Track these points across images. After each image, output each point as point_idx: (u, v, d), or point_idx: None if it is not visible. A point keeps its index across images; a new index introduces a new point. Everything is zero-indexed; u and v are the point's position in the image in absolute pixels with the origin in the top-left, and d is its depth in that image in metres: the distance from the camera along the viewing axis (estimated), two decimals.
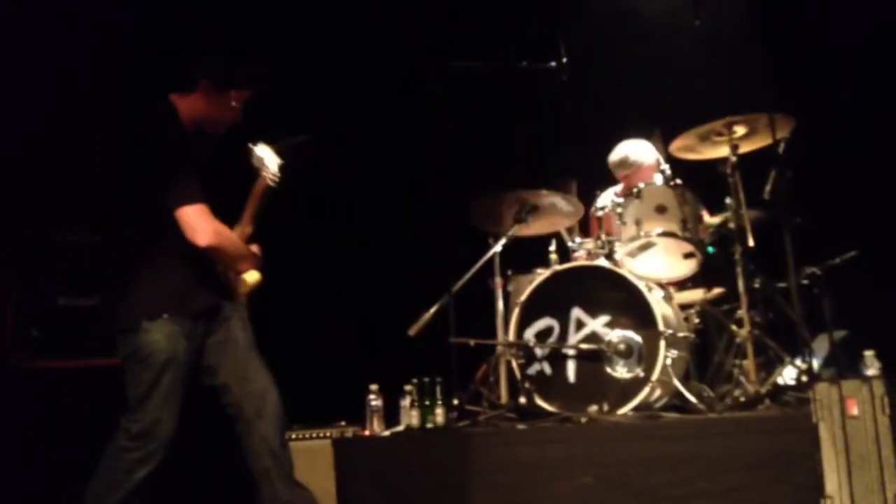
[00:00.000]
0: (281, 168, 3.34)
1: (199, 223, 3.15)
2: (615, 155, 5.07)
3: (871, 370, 3.89)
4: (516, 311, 4.33)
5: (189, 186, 3.17)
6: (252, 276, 3.43)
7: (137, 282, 3.26)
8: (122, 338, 3.24)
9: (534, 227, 4.61)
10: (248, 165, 3.37)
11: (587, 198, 4.85)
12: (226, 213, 3.40)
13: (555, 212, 4.56)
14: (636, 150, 5.01)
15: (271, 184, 3.34)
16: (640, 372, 4.02)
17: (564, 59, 4.50)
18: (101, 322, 4.55)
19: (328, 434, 4.41)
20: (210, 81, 3.34)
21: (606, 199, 4.98)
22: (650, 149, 4.97)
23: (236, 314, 3.40)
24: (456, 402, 4.21)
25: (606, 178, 5.20)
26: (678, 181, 4.47)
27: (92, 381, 4.44)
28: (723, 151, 4.31)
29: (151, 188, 3.18)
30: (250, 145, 3.33)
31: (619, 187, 5.17)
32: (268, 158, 3.33)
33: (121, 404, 3.27)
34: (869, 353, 3.97)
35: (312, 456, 4.25)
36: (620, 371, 4.06)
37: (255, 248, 3.43)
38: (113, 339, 4.27)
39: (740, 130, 4.25)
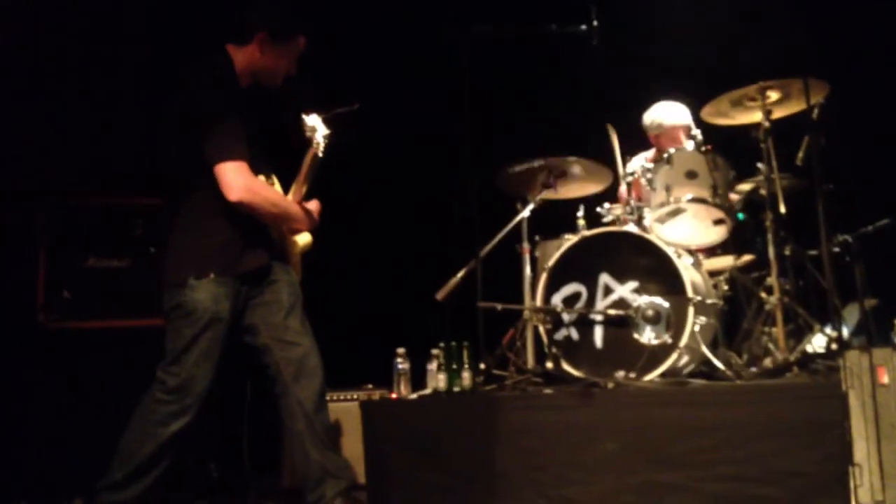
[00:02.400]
0: (328, 137, 3.34)
1: (233, 179, 3.16)
2: (648, 116, 5.06)
3: None
4: (544, 277, 4.32)
5: (231, 141, 3.18)
6: (303, 239, 3.47)
7: (186, 237, 3.29)
8: (168, 291, 3.28)
9: (562, 192, 4.59)
10: (301, 133, 3.37)
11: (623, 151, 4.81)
12: (278, 172, 3.44)
13: (584, 177, 4.54)
14: (669, 111, 5.01)
15: (320, 153, 3.35)
16: (667, 338, 4.01)
17: (595, 23, 4.44)
18: (131, 283, 4.62)
19: (355, 397, 4.45)
20: (266, 32, 3.34)
21: (637, 164, 4.95)
22: (683, 111, 4.95)
23: (286, 277, 3.43)
24: (483, 366, 4.22)
25: (637, 142, 5.15)
26: (709, 146, 4.42)
27: (121, 343, 4.51)
28: (755, 117, 4.25)
29: (198, 140, 3.19)
30: (303, 115, 3.34)
31: (649, 152, 5.13)
32: (319, 127, 3.34)
33: (149, 365, 3.32)
34: None
35: (340, 418, 4.30)
36: (648, 337, 4.04)
37: (313, 206, 3.45)
38: (142, 300, 4.35)
39: (774, 96, 4.19)
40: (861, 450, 3.19)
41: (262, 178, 3.35)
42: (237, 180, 3.16)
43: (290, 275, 3.46)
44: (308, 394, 3.33)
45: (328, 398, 4.27)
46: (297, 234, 3.52)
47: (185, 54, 3.51)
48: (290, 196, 3.44)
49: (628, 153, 5.11)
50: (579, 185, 4.62)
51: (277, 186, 3.49)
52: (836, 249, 4.22)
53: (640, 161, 5.00)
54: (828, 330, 3.91)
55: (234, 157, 3.17)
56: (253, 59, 3.37)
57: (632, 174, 4.55)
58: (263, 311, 3.36)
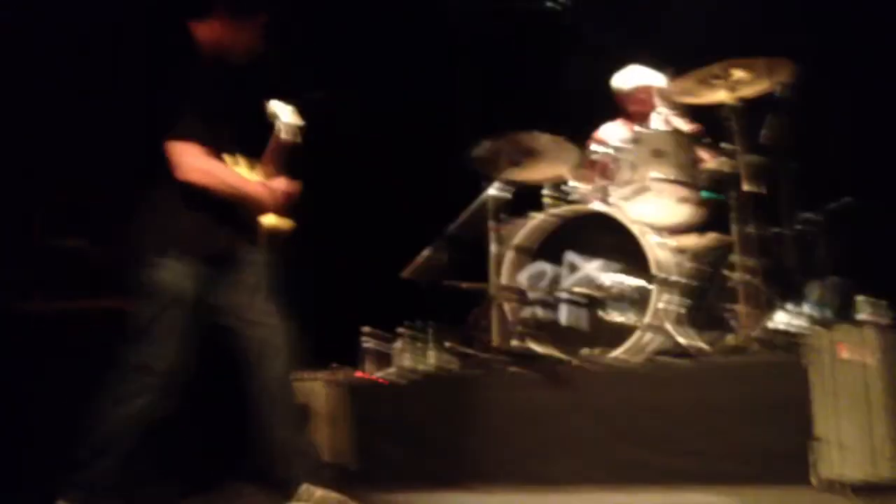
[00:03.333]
0: (300, 126, 3.31)
1: (181, 158, 3.13)
2: (618, 77, 5.05)
3: (863, 315, 3.88)
4: (510, 255, 4.31)
5: (186, 121, 3.14)
6: (266, 220, 3.40)
7: (150, 217, 3.25)
8: (131, 271, 3.24)
9: (531, 173, 4.58)
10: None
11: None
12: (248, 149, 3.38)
13: (551, 157, 4.52)
14: (639, 72, 5.00)
15: (286, 138, 3.31)
16: (633, 316, 4.02)
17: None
18: (90, 264, 4.55)
19: (320, 377, 4.43)
20: (224, 9, 3.30)
21: (606, 132, 4.95)
22: (654, 73, 4.94)
23: (251, 257, 3.39)
24: (448, 344, 4.22)
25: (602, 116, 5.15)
26: (675, 125, 4.43)
27: (81, 323, 4.45)
28: (721, 95, 4.25)
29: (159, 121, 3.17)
30: (267, 101, 3.31)
31: (616, 122, 5.10)
32: (282, 113, 3.31)
33: (109, 346, 3.28)
34: (860, 298, 3.96)
35: (306, 397, 4.28)
36: (613, 315, 4.06)
37: (277, 185, 3.36)
38: (101, 280, 4.29)
39: (739, 74, 4.18)
40: (822, 425, 3.22)
41: (227, 157, 3.30)
42: (183, 159, 3.13)
43: (257, 255, 3.42)
44: (273, 374, 3.30)
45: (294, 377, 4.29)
46: (261, 213, 3.47)
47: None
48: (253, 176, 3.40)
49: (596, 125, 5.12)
50: (547, 165, 4.59)
51: (243, 166, 3.44)
52: (800, 227, 4.25)
53: (611, 129, 5.00)
54: (790, 307, 3.94)
55: (182, 136, 3.13)
56: (214, 35, 3.31)
57: (595, 152, 4.53)
58: (228, 291, 3.33)
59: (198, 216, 3.22)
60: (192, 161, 3.15)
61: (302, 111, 3.37)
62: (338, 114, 5.12)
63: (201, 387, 3.32)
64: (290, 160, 3.41)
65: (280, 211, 3.43)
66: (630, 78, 5.01)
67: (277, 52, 3.52)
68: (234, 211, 3.31)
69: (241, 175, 3.35)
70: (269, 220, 3.47)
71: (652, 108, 4.83)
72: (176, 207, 3.21)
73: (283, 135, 3.33)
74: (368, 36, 5.71)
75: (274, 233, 3.48)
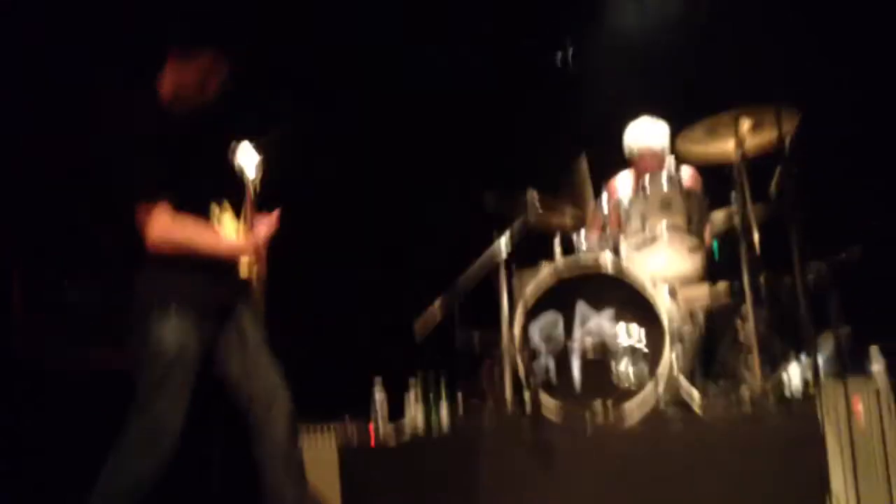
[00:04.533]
0: (260, 164, 3.28)
1: (151, 226, 3.11)
2: (625, 138, 5.06)
3: (876, 366, 3.87)
4: (521, 306, 4.32)
5: (154, 179, 3.12)
6: (246, 270, 3.33)
7: (146, 274, 3.23)
8: (132, 331, 3.22)
9: (543, 224, 4.60)
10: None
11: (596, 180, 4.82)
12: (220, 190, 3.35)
13: (562, 213, 4.54)
14: (642, 133, 4.99)
15: (252, 186, 3.28)
16: (644, 369, 4.01)
17: (571, 50, 4.48)
18: (107, 314, 4.57)
19: (333, 429, 4.43)
20: (174, 51, 3.29)
21: (621, 181, 4.96)
22: (657, 132, 4.95)
23: (249, 310, 3.38)
24: (460, 398, 4.21)
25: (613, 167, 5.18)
26: (684, 176, 4.45)
27: (97, 374, 4.46)
28: (730, 146, 4.28)
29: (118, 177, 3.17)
30: (233, 144, 3.27)
31: (626, 175, 5.12)
32: (248, 158, 3.27)
33: (124, 395, 3.26)
34: (874, 349, 3.95)
35: (316, 450, 4.28)
36: (625, 367, 4.05)
37: (258, 232, 3.31)
38: (117, 331, 4.29)
39: (747, 124, 4.21)
40: (838, 480, 3.20)
41: (214, 207, 3.29)
42: (152, 227, 3.11)
43: (253, 308, 3.41)
44: (282, 430, 3.29)
45: (306, 430, 4.29)
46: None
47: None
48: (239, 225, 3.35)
49: (603, 179, 5.14)
50: (558, 217, 4.61)
51: (229, 215, 3.37)
52: (811, 277, 4.24)
53: (625, 178, 5.01)
54: (803, 358, 3.93)
55: (150, 197, 3.12)
56: (172, 83, 3.30)
57: (608, 203, 4.55)
58: (229, 346, 3.32)
59: (193, 267, 3.20)
60: (161, 231, 3.12)
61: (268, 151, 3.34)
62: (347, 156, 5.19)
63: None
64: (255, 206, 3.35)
65: (257, 259, 3.35)
66: (637, 138, 4.99)
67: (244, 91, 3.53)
68: (223, 263, 3.30)
69: (211, 234, 3.25)
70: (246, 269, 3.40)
71: (660, 164, 4.84)
72: (167, 263, 3.19)
73: (247, 180, 3.29)
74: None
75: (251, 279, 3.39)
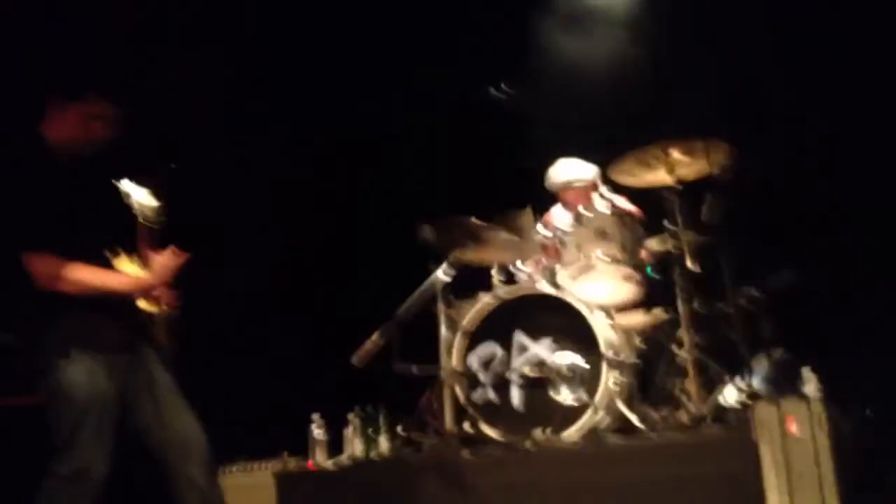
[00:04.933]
0: (158, 209, 3.21)
1: (37, 271, 3.03)
2: (549, 175, 5.12)
3: (809, 387, 3.93)
4: (459, 337, 4.31)
5: (40, 230, 3.04)
6: (147, 305, 3.26)
7: (49, 319, 3.11)
8: (41, 379, 3.10)
9: (479, 256, 4.61)
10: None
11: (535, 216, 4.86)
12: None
13: (497, 245, 4.56)
14: (566, 169, 5.08)
15: (144, 221, 3.21)
16: (584, 395, 4.02)
17: (508, 88, 4.54)
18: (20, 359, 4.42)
19: (271, 467, 4.33)
20: (56, 97, 3.21)
21: (556, 215, 5.02)
22: (581, 167, 5.04)
23: (156, 354, 3.30)
24: (400, 430, 4.17)
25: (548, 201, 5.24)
26: (618, 205, 4.51)
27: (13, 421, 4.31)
28: (662, 176, 4.35)
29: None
30: (117, 183, 3.20)
31: (561, 207, 5.18)
32: (136, 196, 3.21)
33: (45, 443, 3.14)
34: (807, 371, 4.02)
35: (255, 490, 4.18)
36: (564, 395, 4.06)
37: (157, 267, 3.22)
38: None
39: (677, 154, 4.29)
40: (774, 500, 3.22)
41: (108, 253, 3.20)
42: (39, 272, 3.04)
43: (159, 347, 3.32)
44: (198, 471, 3.21)
45: (243, 469, 4.19)
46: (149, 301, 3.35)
47: None
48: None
49: (546, 207, 5.20)
50: (494, 251, 4.63)
51: (124, 258, 3.26)
52: (744, 302, 4.31)
53: (560, 211, 5.07)
54: (738, 381, 3.97)
55: (36, 247, 3.04)
56: (56, 130, 3.20)
57: (545, 236, 4.58)
58: (139, 390, 3.22)
59: (94, 309, 3.12)
60: (48, 272, 3.04)
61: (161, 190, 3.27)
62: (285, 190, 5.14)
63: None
64: (156, 240, 3.28)
65: (156, 294, 3.27)
66: (559, 176, 5.08)
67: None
68: (125, 303, 3.21)
69: (101, 273, 3.16)
70: (148, 305, 3.29)
71: (585, 199, 4.90)
72: (68, 307, 3.09)
73: (142, 219, 3.22)
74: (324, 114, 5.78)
75: (155, 318, 3.31)
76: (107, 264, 3.18)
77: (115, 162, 3.34)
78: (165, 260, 3.21)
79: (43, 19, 4.83)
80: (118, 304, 3.17)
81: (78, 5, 4.85)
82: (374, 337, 4.28)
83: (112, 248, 3.21)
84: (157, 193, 3.24)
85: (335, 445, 4.27)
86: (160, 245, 3.28)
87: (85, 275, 3.11)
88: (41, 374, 3.09)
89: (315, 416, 4.25)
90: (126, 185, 3.21)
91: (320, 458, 4.20)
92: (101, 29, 4.84)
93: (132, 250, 3.26)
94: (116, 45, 4.64)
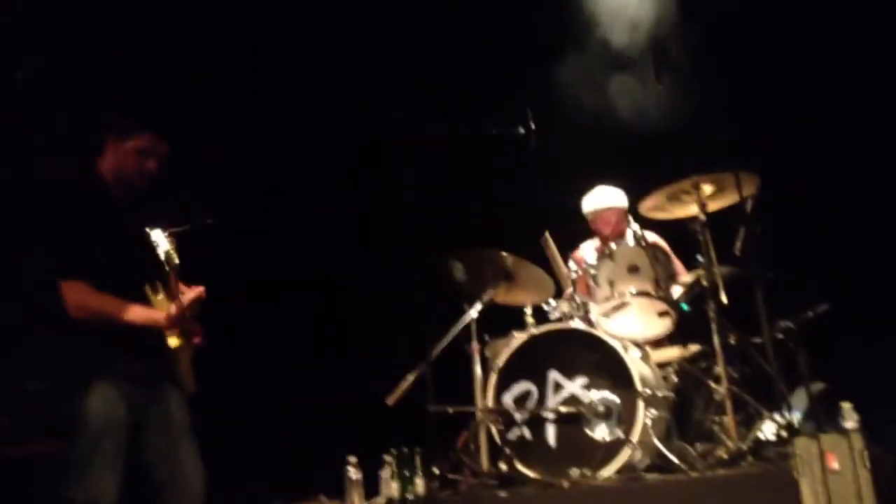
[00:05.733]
0: (168, 252, 3.26)
1: (68, 298, 3.18)
2: (583, 203, 5.17)
3: (850, 422, 3.88)
4: (494, 376, 4.31)
5: (76, 259, 3.19)
6: (171, 342, 3.31)
7: (73, 347, 3.24)
8: (60, 405, 3.22)
9: (508, 298, 4.63)
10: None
11: (563, 252, 4.88)
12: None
13: (527, 284, 4.57)
14: (600, 196, 5.13)
15: (168, 264, 3.26)
16: (620, 433, 4.00)
17: (532, 126, 4.56)
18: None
19: None
20: (110, 133, 3.39)
21: (585, 250, 5.04)
22: (615, 194, 5.08)
23: (175, 392, 3.38)
24: (436, 471, 4.15)
25: (579, 235, 5.24)
26: (648, 240, 4.51)
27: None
28: (692, 210, 4.36)
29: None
30: (147, 230, 3.29)
31: (595, 240, 5.18)
32: (160, 243, 3.27)
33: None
34: (846, 406, 3.96)
35: None
36: (600, 433, 4.03)
37: (170, 312, 3.25)
38: None
39: (707, 189, 4.30)
40: None
41: (147, 288, 3.30)
42: (69, 299, 3.18)
43: (177, 391, 3.40)
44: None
45: None
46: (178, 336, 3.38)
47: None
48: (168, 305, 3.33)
49: (574, 244, 5.21)
50: (524, 293, 4.64)
51: (161, 294, 3.36)
52: (780, 336, 4.28)
53: (589, 248, 5.08)
54: (777, 416, 3.93)
55: (69, 275, 3.19)
56: (111, 163, 3.39)
57: (576, 271, 4.58)
58: (153, 426, 3.31)
59: (115, 343, 3.22)
60: (77, 301, 3.18)
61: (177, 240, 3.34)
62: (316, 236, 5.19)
63: None
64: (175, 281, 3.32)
65: (180, 330, 3.32)
66: (592, 202, 5.13)
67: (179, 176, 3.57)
68: (148, 337, 3.27)
69: (126, 306, 3.25)
70: (171, 342, 3.34)
71: (620, 227, 4.93)
72: (93, 336, 3.21)
73: (166, 262, 3.28)
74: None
75: (180, 354, 3.37)
76: (144, 300, 3.28)
77: (157, 204, 3.48)
78: (178, 302, 3.27)
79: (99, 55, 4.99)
80: (144, 337, 3.25)
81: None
82: (409, 377, 4.30)
83: (153, 284, 3.30)
84: (172, 237, 3.31)
85: (371, 487, 4.26)
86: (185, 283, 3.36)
87: (108, 305, 3.23)
88: (60, 398, 3.21)
89: (351, 459, 4.24)
90: (153, 233, 3.28)
91: (356, 500, 4.18)
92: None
93: (167, 289, 3.33)
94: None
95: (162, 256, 3.24)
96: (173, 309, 3.24)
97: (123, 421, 3.20)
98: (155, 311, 3.27)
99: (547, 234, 4.76)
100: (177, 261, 3.26)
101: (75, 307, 3.18)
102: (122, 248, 3.25)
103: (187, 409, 3.41)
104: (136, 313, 3.25)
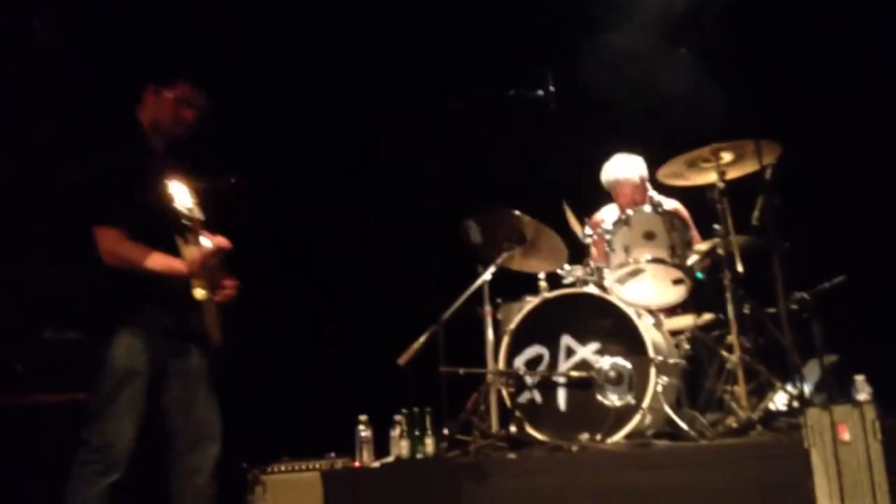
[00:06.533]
0: (194, 208, 3.26)
1: (101, 244, 3.25)
2: (603, 173, 5.13)
3: (862, 394, 3.88)
4: (506, 340, 4.31)
5: (110, 206, 3.25)
6: (196, 293, 3.32)
7: (100, 291, 3.31)
8: (84, 346, 3.33)
9: (519, 264, 4.62)
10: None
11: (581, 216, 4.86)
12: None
13: (543, 250, 4.56)
14: (620, 166, 5.08)
15: (184, 221, 3.25)
16: (630, 399, 4.00)
17: (552, 88, 4.52)
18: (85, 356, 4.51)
19: (318, 466, 4.36)
20: (150, 82, 3.45)
21: (606, 213, 5.01)
22: (634, 164, 5.03)
23: (198, 345, 3.43)
24: (446, 431, 4.18)
25: (596, 200, 5.21)
26: (667, 207, 4.48)
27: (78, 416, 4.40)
28: (710, 177, 4.32)
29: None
30: (165, 181, 3.26)
31: (610, 207, 5.15)
32: (178, 194, 3.24)
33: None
34: (859, 378, 3.96)
35: (302, 488, 4.21)
36: (611, 398, 4.03)
37: (192, 261, 3.27)
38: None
39: (727, 157, 4.26)
40: None
41: (178, 240, 3.30)
42: (102, 246, 3.25)
43: (201, 344, 3.44)
44: (201, 465, 3.37)
45: (290, 468, 4.24)
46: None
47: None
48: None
49: (595, 209, 5.18)
50: (538, 259, 4.63)
51: (191, 247, 3.31)
52: (795, 307, 4.25)
53: (609, 212, 5.05)
54: (789, 387, 3.93)
55: (103, 222, 3.26)
56: (150, 113, 3.45)
57: (592, 236, 4.56)
58: (173, 375, 3.37)
59: (142, 293, 3.28)
60: (110, 247, 3.25)
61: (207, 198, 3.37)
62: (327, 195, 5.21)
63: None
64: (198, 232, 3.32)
65: (206, 282, 3.33)
66: (610, 171, 5.09)
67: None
68: (174, 288, 3.30)
69: (154, 255, 3.28)
70: (196, 293, 3.34)
71: (637, 197, 4.90)
72: (120, 285, 3.28)
73: (184, 218, 3.27)
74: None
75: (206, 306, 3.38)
76: (174, 250, 3.30)
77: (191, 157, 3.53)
78: (199, 251, 3.28)
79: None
80: (170, 287, 3.29)
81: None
82: (421, 338, 4.31)
83: (184, 235, 3.31)
84: (197, 194, 3.30)
85: (382, 446, 4.29)
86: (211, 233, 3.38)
87: (138, 254, 3.27)
88: (85, 340, 3.32)
89: (362, 418, 4.27)
90: (172, 185, 3.25)
91: (367, 459, 4.21)
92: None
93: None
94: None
95: (184, 209, 3.24)
96: (195, 257, 3.26)
97: (144, 370, 3.26)
98: (176, 259, 3.29)
99: (566, 204, 4.71)
100: (199, 214, 3.27)
101: (107, 252, 3.24)
102: (155, 197, 3.26)
103: (208, 363, 3.46)
104: (157, 261, 3.28)
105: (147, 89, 3.46)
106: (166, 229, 3.27)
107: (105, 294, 3.30)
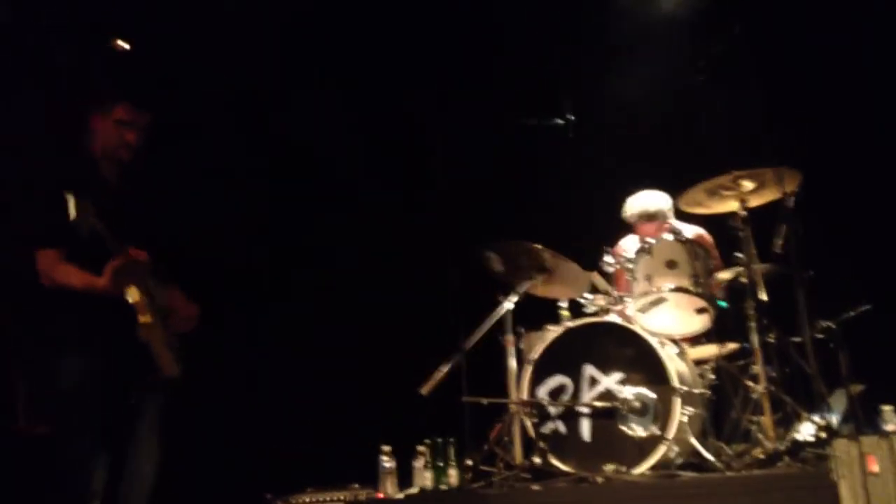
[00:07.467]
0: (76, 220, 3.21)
1: (39, 263, 3.30)
2: (625, 207, 5.09)
3: (890, 425, 3.84)
4: (529, 369, 4.30)
5: (48, 229, 3.27)
6: (139, 319, 3.33)
7: (45, 317, 3.35)
8: (33, 374, 3.43)
9: (542, 290, 4.61)
10: None
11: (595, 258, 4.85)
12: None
13: (564, 279, 4.55)
14: (643, 202, 5.05)
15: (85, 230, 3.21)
16: (655, 430, 3.97)
17: (570, 117, 4.54)
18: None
19: (341, 497, 4.36)
20: (93, 103, 3.50)
21: (628, 244, 5.00)
22: (658, 200, 5.01)
23: (153, 378, 3.44)
24: (470, 462, 4.16)
25: (614, 233, 5.20)
26: (688, 236, 4.47)
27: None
28: (731, 205, 4.31)
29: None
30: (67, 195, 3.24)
31: (632, 238, 5.14)
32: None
33: None
34: (887, 408, 3.92)
35: None
36: (636, 429, 4.01)
37: (97, 281, 3.28)
38: None
39: (748, 185, 4.25)
40: None
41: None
42: (39, 265, 3.30)
43: (158, 374, 3.45)
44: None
45: (314, 500, 4.23)
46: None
47: None
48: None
49: (605, 244, 5.17)
50: (560, 286, 4.62)
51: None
52: (820, 336, 4.23)
53: (630, 242, 5.04)
54: (815, 417, 3.89)
55: (39, 243, 3.31)
56: (99, 142, 3.49)
57: (612, 265, 4.55)
58: (114, 406, 3.38)
59: (85, 313, 3.30)
60: (44, 268, 3.29)
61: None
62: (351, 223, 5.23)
63: None
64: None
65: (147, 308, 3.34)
66: (634, 207, 5.05)
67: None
68: (119, 311, 3.30)
69: (72, 273, 3.30)
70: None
71: (660, 229, 4.87)
72: (64, 306, 3.31)
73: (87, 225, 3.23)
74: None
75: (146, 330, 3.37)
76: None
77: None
78: (114, 263, 3.27)
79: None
80: (109, 311, 3.28)
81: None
82: (443, 367, 4.30)
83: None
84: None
85: (404, 477, 4.28)
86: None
87: (63, 274, 3.30)
88: (33, 370, 3.39)
89: (385, 448, 4.26)
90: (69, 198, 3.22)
91: (390, 490, 4.20)
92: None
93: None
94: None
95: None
96: (110, 265, 3.26)
97: (92, 394, 3.26)
98: (94, 276, 3.30)
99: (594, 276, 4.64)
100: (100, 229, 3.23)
101: (43, 275, 3.29)
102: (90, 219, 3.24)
103: (163, 396, 3.50)
104: (76, 278, 3.31)
105: (92, 118, 3.50)
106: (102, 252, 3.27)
107: (47, 321, 3.34)
